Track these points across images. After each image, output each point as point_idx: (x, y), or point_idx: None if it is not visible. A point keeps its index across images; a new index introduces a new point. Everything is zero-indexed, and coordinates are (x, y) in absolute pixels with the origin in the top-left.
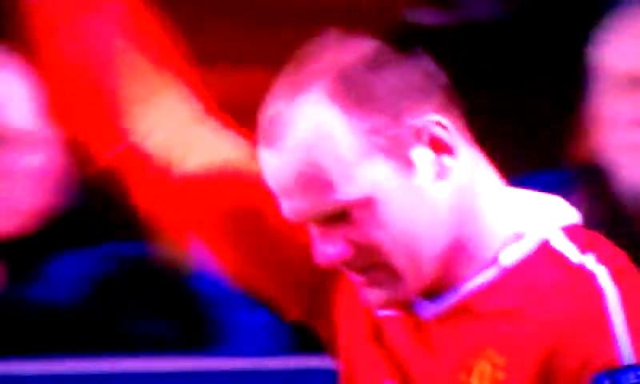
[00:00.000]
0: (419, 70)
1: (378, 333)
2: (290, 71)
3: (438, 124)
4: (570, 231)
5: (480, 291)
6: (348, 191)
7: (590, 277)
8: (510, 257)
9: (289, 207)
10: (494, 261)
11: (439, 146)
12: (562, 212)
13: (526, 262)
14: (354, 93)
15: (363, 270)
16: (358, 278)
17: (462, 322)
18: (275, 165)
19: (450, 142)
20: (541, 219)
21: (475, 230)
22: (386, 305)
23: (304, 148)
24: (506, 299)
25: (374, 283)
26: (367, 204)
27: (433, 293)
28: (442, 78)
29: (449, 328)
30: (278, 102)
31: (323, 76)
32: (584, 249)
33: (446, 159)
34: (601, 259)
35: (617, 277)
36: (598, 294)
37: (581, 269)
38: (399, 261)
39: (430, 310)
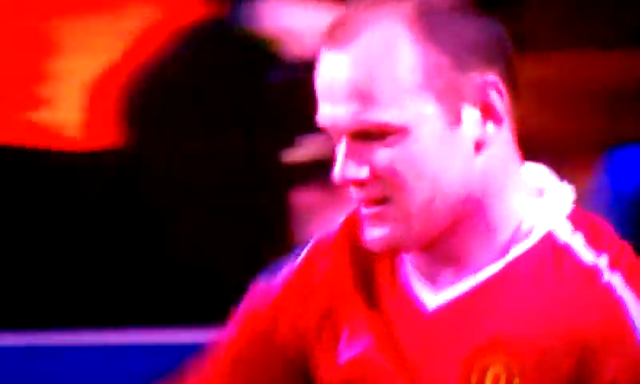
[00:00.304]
0: (493, 34)
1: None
2: None
3: (496, 89)
4: (574, 219)
5: (489, 284)
6: (392, 113)
7: (609, 288)
8: (520, 250)
9: (329, 113)
10: (504, 252)
11: (489, 112)
12: (563, 194)
13: (536, 257)
14: (430, 27)
15: (373, 201)
16: (364, 210)
17: (470, 316)
18: (334, 64)
19: (500, 111)
20: (547, 207)
21: (494, 211)
22: (384, 245)
23: (368, 56)
24: (518, 296)
25: (379, 219)
26: (405, 133)
27: (439, 281)
28: (510, 50)
29: (456, 322)
30: (357, 9)
31: (407, 1)
32: (594, 245)
33: (492, 127)
34: (613, 262)
35: (631, 282)
36: (620, 308)
37: (596, 275)
38: (414, 201)
39: (435, 300)
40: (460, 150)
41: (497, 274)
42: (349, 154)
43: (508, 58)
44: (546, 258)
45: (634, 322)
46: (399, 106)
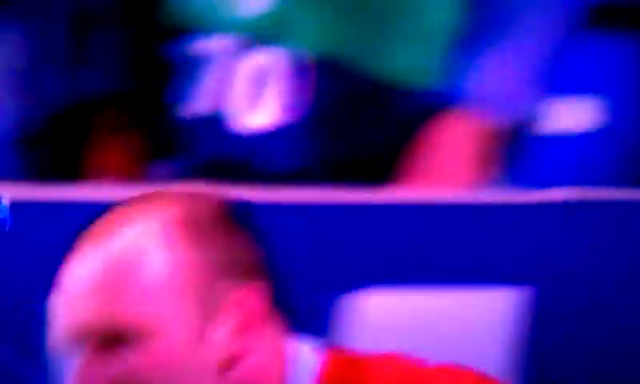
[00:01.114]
0: (254, 249)
1: None
2: (139, 199)
3: (256, 301)
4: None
5: None
6: (142, 314)
7: None
8: None
9: (68, 320)
10: None
11: (247, 324)
12: (308, 360)
13: None
14: (193, 233)
15: None
16: None
17: None
18: (82, 266)
19: (259, 322)
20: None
21: None
22: None
23: (120, 254)
24: None
25: None
26: (154, 337)
27: None
28: (264, 254)
29: None
30: (116, 211)
31: (170, 207)
32: None
33: (248, 339)
34: None
35: None
36: None
37: None
38: None
39: None
40: (212, 362)
41: None
42: (90, 366)
43: (268, 272)
44: None
45: None
46: (150, 307)
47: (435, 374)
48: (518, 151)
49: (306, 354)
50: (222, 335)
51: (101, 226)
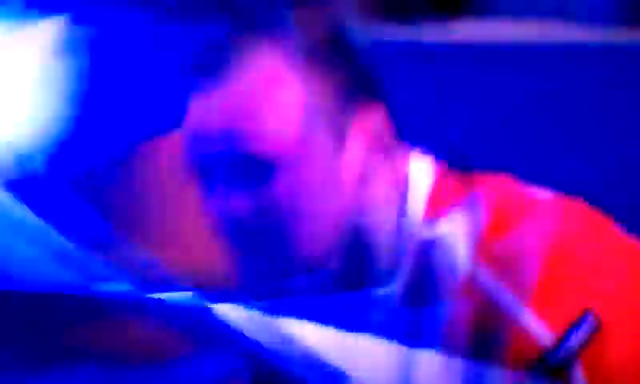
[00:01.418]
0: (373, 67)
1: None
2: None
3: (381, 120)
4: (438, 197)
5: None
6: (281, 137)
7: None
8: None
9: (211, 147)
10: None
11: (375, 143)
12: (421, 177)
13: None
14: (313, 57)
15: (251, 234)
16: (238, 247)
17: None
18: (214, 97)
19: (385, 141)
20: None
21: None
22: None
23: (250, 86)
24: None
25: (254, 253)
26: (293, 162)
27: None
28: (380, 76)
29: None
30: (237, 37)
31: (286, 33)
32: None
33: (376, 158)
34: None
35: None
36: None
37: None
38: (298, 230)
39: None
40: (344, 182)
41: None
42: (230, 190)
43: (385, 93)
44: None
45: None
46: (289, 130)
47: (542, 201)
48: None
49: (421, 171)
50: (352, 156)
51: (215, 63)
